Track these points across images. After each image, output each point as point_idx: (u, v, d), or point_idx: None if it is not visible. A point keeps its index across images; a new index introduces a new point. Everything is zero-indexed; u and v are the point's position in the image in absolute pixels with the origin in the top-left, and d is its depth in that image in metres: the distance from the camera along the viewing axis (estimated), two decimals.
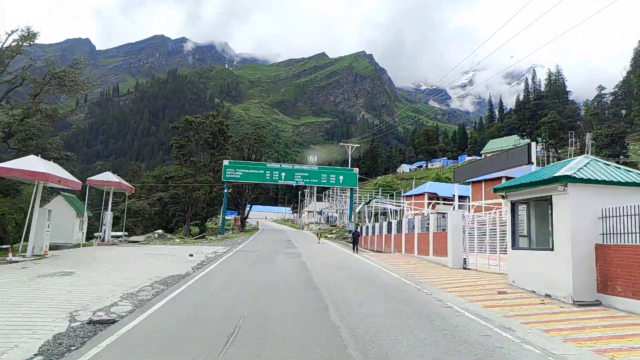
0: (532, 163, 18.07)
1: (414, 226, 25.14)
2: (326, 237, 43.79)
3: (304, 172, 45.86)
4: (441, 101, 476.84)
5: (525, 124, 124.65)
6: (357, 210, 43.26)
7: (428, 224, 22.59)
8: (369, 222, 39.57)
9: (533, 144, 19.68)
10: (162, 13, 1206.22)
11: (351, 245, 38.18)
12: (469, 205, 59.16)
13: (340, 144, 50.01)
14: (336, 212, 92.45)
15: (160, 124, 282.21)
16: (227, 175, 45.04)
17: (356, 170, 47.56)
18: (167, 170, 70.31)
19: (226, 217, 72.72)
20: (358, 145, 50.15)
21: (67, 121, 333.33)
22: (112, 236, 41.12)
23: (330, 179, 45.56)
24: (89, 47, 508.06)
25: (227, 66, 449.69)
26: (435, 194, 61.93)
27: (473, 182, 54.94)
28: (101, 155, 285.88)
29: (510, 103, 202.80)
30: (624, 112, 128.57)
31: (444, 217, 20.24)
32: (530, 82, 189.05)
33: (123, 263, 18.39)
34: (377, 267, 19.41)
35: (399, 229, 27.75)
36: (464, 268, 19.01)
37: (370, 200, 36.55)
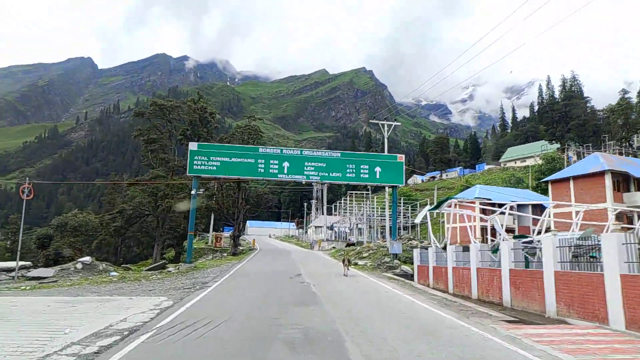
0: None
1: None
2: (356, 263, 26.73)
3: (319, 160, 27.09)
4: (442, 116, 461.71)
5: (554, 127, 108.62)
6: (416, 221, 25.80)
7: None
8: (436, 241, 22.35)
9: None
10: (164, 32, 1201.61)
11: (410, 281, 20.90)
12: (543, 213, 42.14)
13: (371, 121, 32.64)
14: (349, 228, 75.14)
15: None
16: (194, 167, 26.37)
17: (401, 158, 28.75)
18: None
19: (215, 234, 55.47)
20: (399, 124, 32.97)
21: (67, 139, 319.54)
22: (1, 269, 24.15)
23: (361, 171, 26.86)
24: (91, 66, 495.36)
25: (228, 83, 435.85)
26: (489, 199, 44.93)
27: (554, 181, 38.00)
28: (100, 172, 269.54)
29: (513, 116, 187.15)
30: None
31: None
32: (544, 88, 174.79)
33: None
34: None
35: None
36: None
37: (440, 204, 19.66)
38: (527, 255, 13.67)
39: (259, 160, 26.40)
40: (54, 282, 21.31)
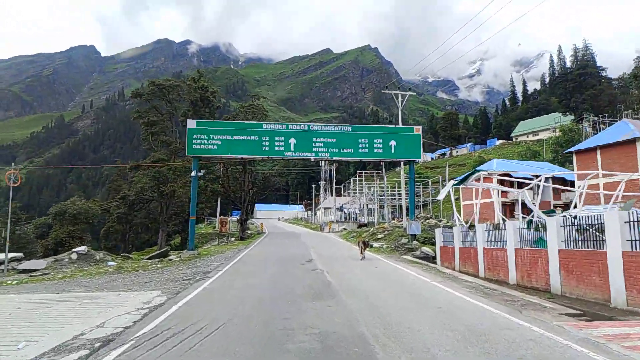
0: None
1: None
2: (371, 246, 24.74)
3: (328, 136, 24.64)
4: (449, 92, 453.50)
5: (568, 99, 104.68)
6: (439, 197, 23.31)
7: None
8: (461, 220, 20.19)
9: None
10: (165, 16, 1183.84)
11: (433, 264, 18.88)
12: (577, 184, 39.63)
13: (383, 91, 29.96)
14: (359, 209, 73.05)
15: None
16: (194, 147, 24.29)
17: (419, 130, 26.23)
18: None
19: (220, 218, 53.73)
20: (414, 94, 30.23)
21: (74, 128, 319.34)
22: None
23: (375, 146, 24.54)
24: (94, 53, 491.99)
25: (232, 66, 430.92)
26: (509, 174, 42.53)
27: (579, 152, 35.54)
28: (108, 159, 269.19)
29: (524, 89, 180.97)
30: None
31: None
32: (555, 58, 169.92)
33: None
34: None
35: None
36: None
37: (467, 177, 17.27)
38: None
39: (264, 138, 24.18)
40: (45, 275, 19.62)
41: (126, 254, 24.77)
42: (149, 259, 24.66)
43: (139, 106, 46.01)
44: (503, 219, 18.36)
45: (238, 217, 54.21)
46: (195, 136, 23.99)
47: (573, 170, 37.14)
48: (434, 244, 25.45)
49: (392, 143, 24.45)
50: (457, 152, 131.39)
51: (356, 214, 71.62)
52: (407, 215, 27.51)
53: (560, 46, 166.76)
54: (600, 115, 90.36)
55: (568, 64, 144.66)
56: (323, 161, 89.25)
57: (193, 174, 24.26)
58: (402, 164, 32.42)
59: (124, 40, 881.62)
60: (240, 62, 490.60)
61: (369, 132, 25.25)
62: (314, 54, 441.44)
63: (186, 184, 40.27)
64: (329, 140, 24.54)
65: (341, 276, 14.47)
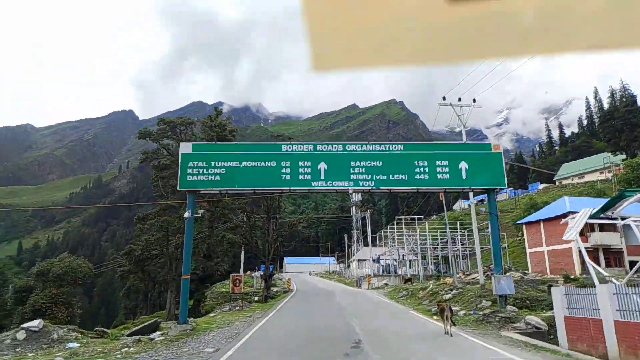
0: None
1: None
2: (436, 312, 16.93)
3: (371, 158, 17.20)
4: (477, 141, 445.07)
5: (618, 137, 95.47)
6: (567, 237, 15.09)
7: None
8: (605, 274, 12.38)
9: None
10: (199, 81, 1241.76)
11: (552, 345, 11.01)
12: None
13: (440, 103, 22.59)
14: (397, 260, 64.33)
15: None
16: (188, 179, 17.29)
17: (498, 147, 18.66)
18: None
19: (233, 275, 46.41)
20: (480, 107, 22.84)
21: (110, 187, 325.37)
22: None
23: (438, 170, 17.14)
24: (132, 117, 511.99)
25: (262, 124, 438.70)
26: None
27: None
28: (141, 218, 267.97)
29: (560, 133, 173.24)
30: None
31: None
32: (592, 101, 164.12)
33: None
34: None
35: None
36: None
37: (617, 198, 10.22)
38: None
39: (283, 163, 17.08)
40: None
41: (103, 329, 17.80)
42: (130, 334, 17.50)
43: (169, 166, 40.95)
44: None
45: (262, 273, 46.81)
46: (190, 164, 17.12)
47: None
48: (529, 307, 17.43)
49: (463, 166, 16.91)
50: (496, 197, 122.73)
51: (395, 266, 62.97)
52: (492, 267, 19.57)
53: (597, 88, 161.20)
54: None
55: (605, 106, 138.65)
56: (364, 192, 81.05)
57: (186, 215, 17.10)
58: (471, 195, 24.80)
59: (160, 103, 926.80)
60: (269, 121, 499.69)
61: (429, 152, 17.48)
62: (341, 110, 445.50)
63: (199, 233, 33.88)
64: (372, 164, 17.22)
65: None
